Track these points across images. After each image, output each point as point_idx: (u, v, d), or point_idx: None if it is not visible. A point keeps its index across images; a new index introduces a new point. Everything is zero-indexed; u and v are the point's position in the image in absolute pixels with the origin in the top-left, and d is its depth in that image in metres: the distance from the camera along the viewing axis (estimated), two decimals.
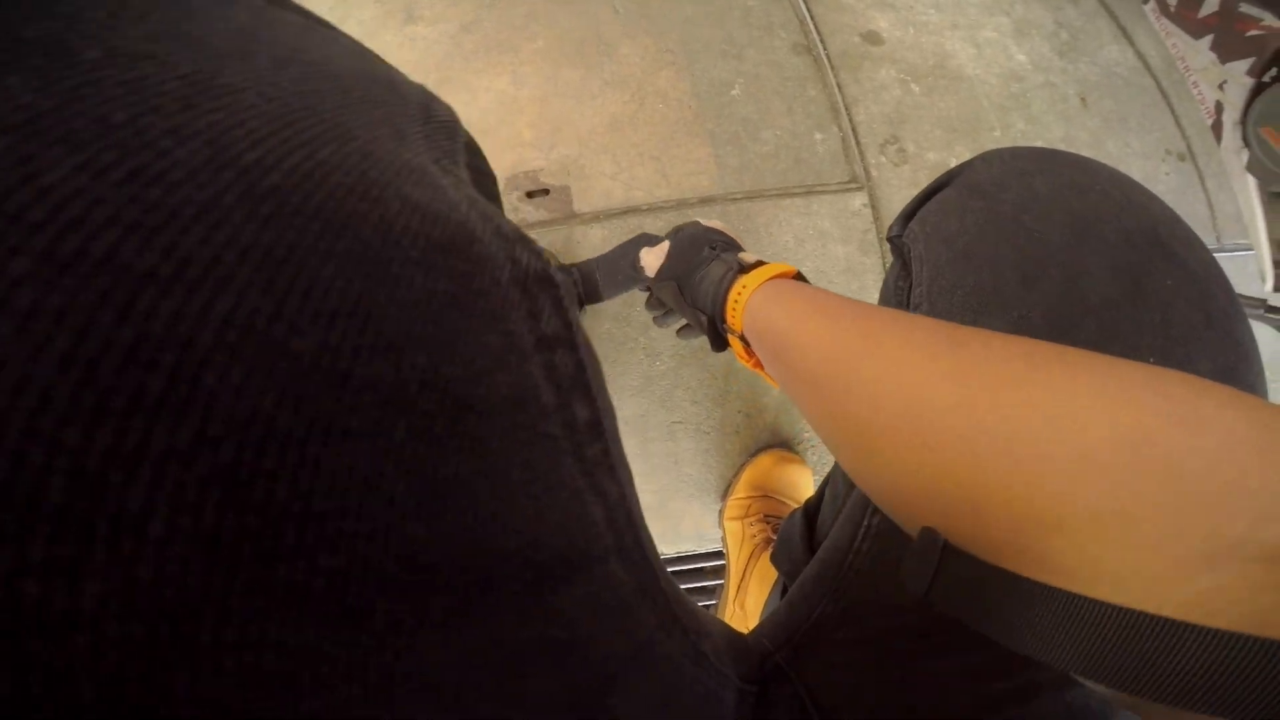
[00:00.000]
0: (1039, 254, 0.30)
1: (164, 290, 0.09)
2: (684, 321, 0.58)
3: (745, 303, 0.41)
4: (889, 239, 0.39)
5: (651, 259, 0.56)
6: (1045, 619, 0.17)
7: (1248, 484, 0.16)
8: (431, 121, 0.16)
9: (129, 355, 0.08)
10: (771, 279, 0.42)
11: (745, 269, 0.44)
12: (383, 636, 0.11)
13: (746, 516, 0.73)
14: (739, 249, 0.52)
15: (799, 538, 0.51)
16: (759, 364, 0.44)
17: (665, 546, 0.75)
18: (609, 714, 0.18)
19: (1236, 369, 0.28)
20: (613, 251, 0.67)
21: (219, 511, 0.09)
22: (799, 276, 0.44)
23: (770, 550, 0.60)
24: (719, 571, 0.76)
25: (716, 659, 0.25)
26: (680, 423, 0.76)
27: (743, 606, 0.71)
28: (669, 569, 0.73)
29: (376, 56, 0.17)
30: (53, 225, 0.08)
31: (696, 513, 0.75)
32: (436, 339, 0.11)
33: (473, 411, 0.12)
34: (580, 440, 0.15)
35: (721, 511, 0.75)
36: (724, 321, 0.45)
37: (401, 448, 0.11)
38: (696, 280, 0.49)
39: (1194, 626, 0.15)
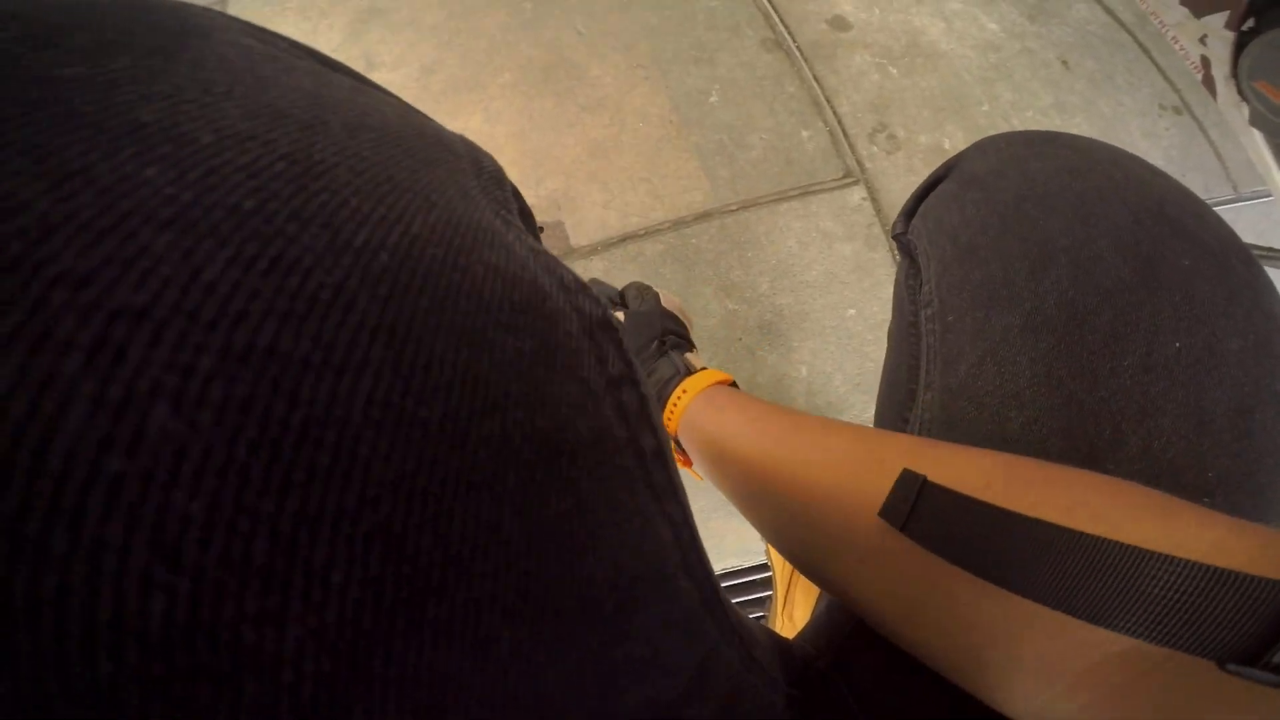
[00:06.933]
0: (1044, 242, 0.29)
1: (319, 375, 0.10)
2: None
3: (684, 407, 0.45)
4: (894, 237, 0.39)
5: None
6: (1023, 548, 0.19)
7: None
8: (483, 174, 0.16)
9: (302, 435, 0.09)
10: (709, 387, 0.45)
11: (689, 372, 0.48)
12: (507, 660, 0.12)
13: None
14: (688, 345, 0.55)
15: None
16: (687, 461, 0.47)
17: (712, 563, 0.74)
18: None
19: (1270, 341, 0.27)
20: None
21: (382, 560, 0.10)
22: (733, 384, 0.48)
23: None
24: (767, 583, 0.75)
25: (768, 665, 0.26)
26: None
27: (791, 618, 0.71)
28: (722, 584, 0.73)
29: (417, 111, 0.17)
30: (224, 321, 0.09)
31: (737, 528, 0.74)
32: (529, 394, 0.13)
33: (564, 455, 0.13)
34: (649, 468, 0.16)
35: None
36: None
37: (513, 494, 0.12)
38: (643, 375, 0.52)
39: (1163, 555, 0.16)
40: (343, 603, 0.10)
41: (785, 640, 0.35)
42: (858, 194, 0.79)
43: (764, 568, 0.75)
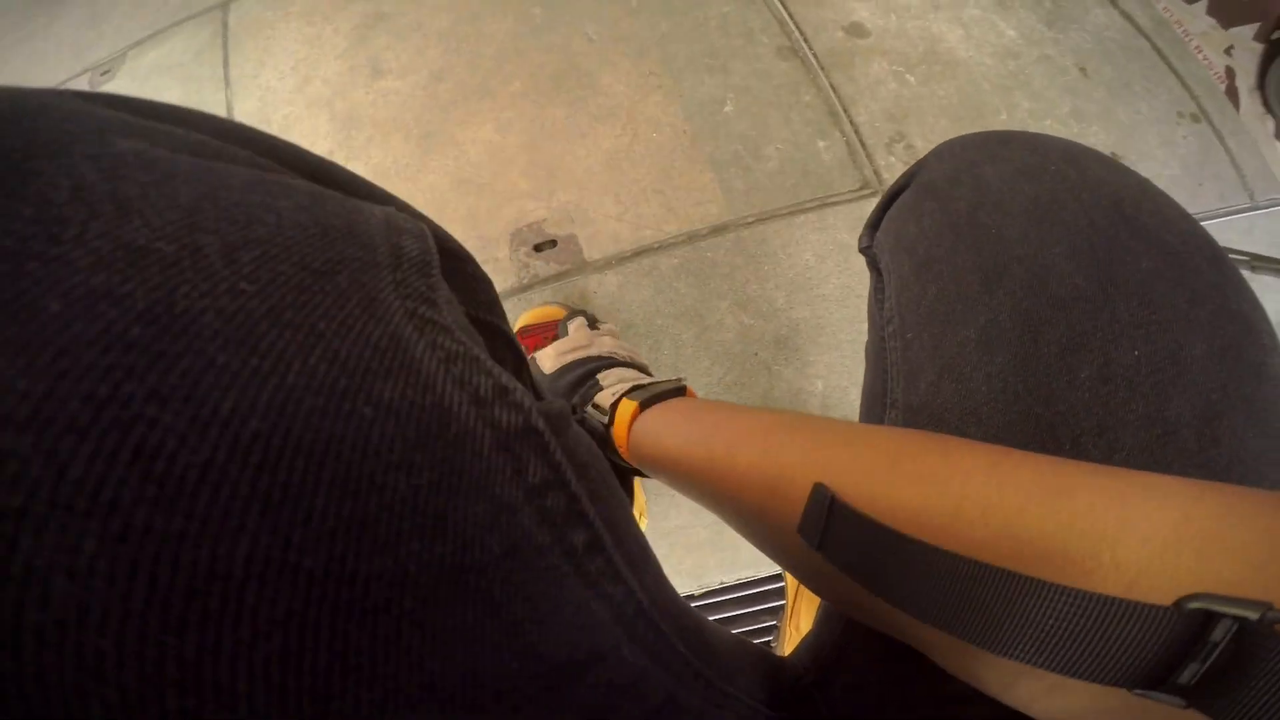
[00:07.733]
0: (998, 251, 0.28)
1: (196, 544, 0.11)
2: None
3: (624, 444, 0.42)
4: (861, 251, 0.37)
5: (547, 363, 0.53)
6: (916, 573, 0.19)
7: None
8: (402, 265, 0.15)
9: (188, 591, 0.11)
10: (631, 424, 0.42)
11: (609, 419, 0.44)
12: None
13: None
14: (596, 378, 0.49)
15: None
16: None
17: (727, 575, 0.74)
18: None
19: (1240, 345, 0.26)
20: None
21: (282, 673, 0.11)
22: (642, 405, 0.43)
23: None
24: (782, 593, 0.75)
25: (748, 694, 0.26)
26: None
27: (797, 628, 0.72)
28: (736, 594, 0.74)
29: (334, 195, 0.16)
30: (98, 510, 0.10)
31: None
32: (425, 526, 0.13)
33: (470, 572, 0.14)
34: (581, 561, 0.17)
35: None
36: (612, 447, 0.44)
37: (412, 613, 0.13)
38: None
39: (1052, 585, 0.16)
40: (251, 704, 0.11)
41: (778, 660, 0.35)
42: (874, 206, 0.78)
43: (779, 577, 0.75)
